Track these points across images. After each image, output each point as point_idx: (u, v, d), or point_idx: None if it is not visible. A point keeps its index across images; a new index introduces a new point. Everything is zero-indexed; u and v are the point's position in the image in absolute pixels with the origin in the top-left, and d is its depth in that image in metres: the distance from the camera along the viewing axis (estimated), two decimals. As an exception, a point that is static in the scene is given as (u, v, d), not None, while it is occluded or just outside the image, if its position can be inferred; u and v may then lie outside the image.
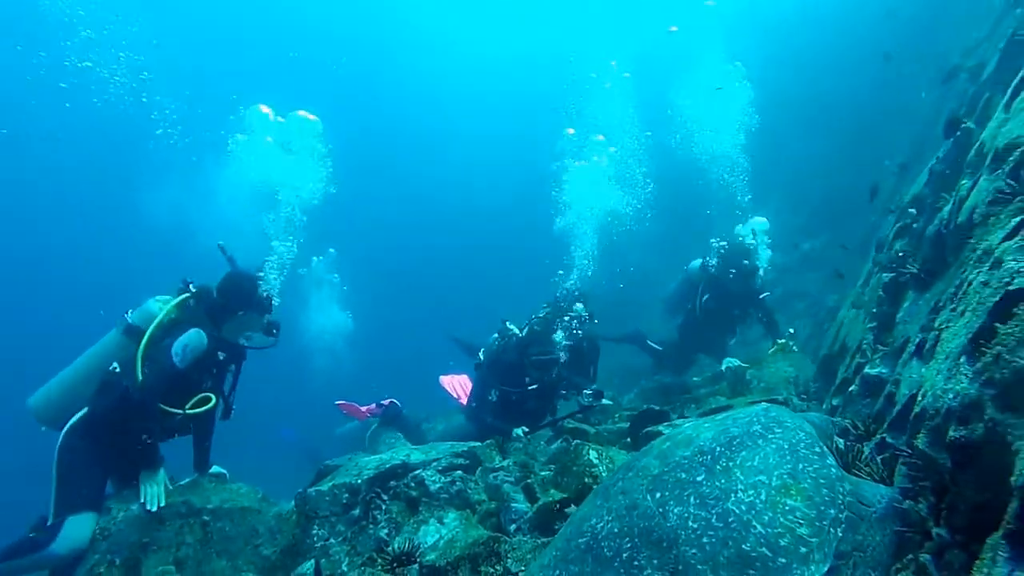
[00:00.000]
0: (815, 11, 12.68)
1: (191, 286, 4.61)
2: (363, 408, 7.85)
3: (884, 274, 4.68)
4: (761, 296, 7.57)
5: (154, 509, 4.08)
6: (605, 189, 9.37)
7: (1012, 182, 2.38)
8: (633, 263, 12.17)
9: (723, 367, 6.28)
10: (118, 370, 4.19)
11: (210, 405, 4.51)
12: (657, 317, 9.36)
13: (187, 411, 4.41)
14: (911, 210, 4.94)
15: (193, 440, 4.79)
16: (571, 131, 10.47)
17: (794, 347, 6.74)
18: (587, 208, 8.68)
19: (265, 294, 4.83)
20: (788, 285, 11.79)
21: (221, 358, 4.62)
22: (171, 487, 4.35)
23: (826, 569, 1.79)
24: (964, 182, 3.36)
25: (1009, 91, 3.24)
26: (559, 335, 6.08)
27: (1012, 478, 1.52)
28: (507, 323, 6.26)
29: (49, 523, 3.87)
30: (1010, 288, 1.84)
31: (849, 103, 11.85)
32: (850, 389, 4.10)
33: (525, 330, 6.15)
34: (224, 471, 4.89)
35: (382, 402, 7.76)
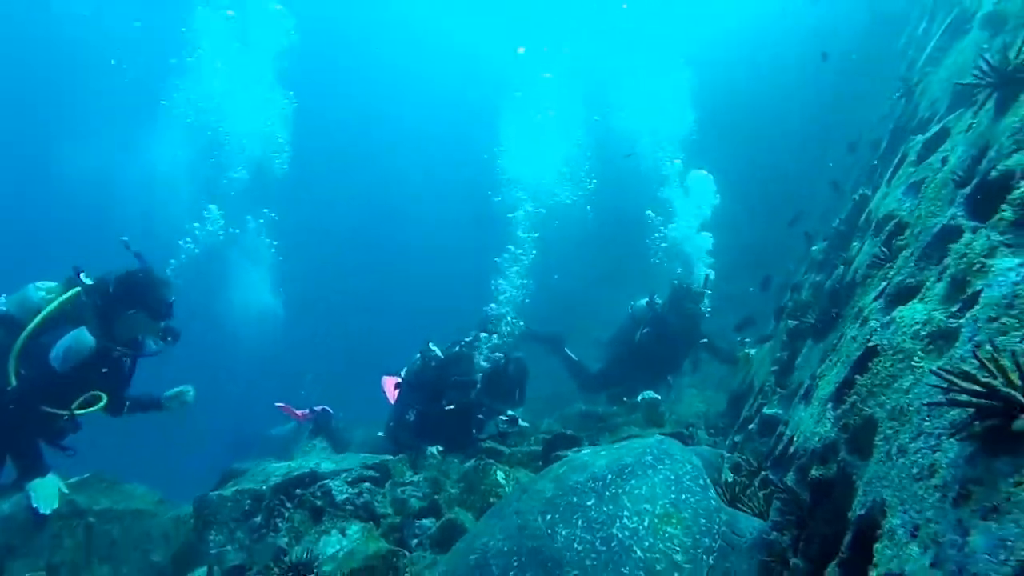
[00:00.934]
0: (748, 67, 13.36)
1: (83, 276, 4.19)
2: (299, 412, 7.72)
3: (789, 321, 5.05)
4: (701, 341, 7.73)
5: (47, 512, 3.82)
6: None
7: (885, 250, 2.67)
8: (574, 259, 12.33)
9: (639, 398, 6.51)
10: None
11: (99, 405, 4.20)
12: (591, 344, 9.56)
13: (74, 411, 4.08)
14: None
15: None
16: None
17: (752, 354, 6.95)
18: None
19: (164, 298, 4.37)
20: (709, 325, 12.41)
21: (115, 355, 4.26)
22: (65, 491, 4.06)
23: (694, 592, 1.93)
24: (855, 243, 3.71)
25: (890, 169, 3.63)
26: (479, 358, 6.17)
27: (849, 513, 1.71)
28: (430, 344, 6.29)
29: None
30: (869, 344, 2.07)
31: (770, 168, 12.63)
32: (750, 427, 4.37)
33: (446, 352, 6.20)
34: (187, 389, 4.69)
35: (315, 408, 7.67)
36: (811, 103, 12.02)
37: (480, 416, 6.33)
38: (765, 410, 4.30)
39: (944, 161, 2.72)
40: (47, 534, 3.87)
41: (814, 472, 2.04)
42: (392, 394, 7.27)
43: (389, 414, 6.84)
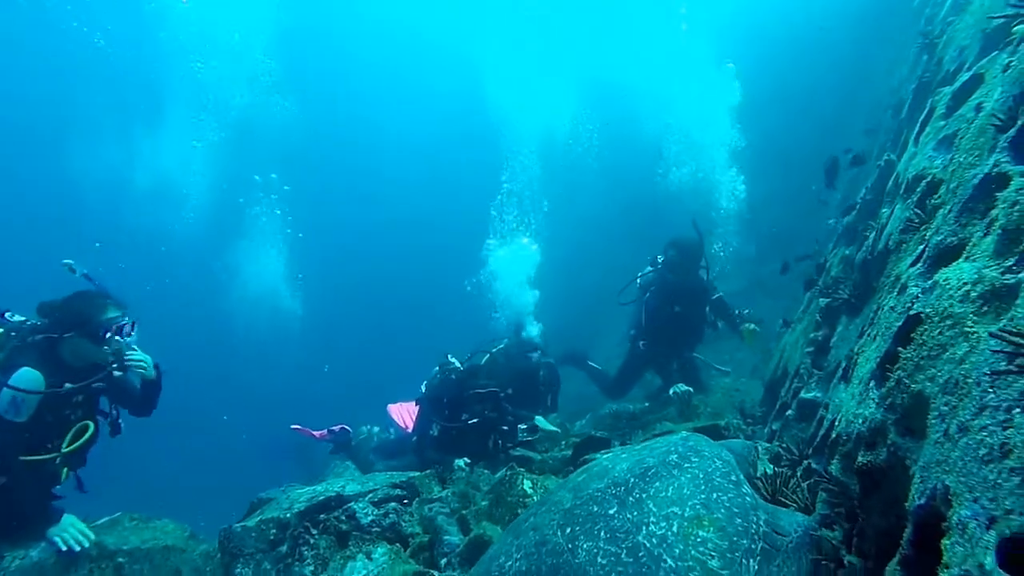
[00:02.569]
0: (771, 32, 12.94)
1: (7, 315, 3.89)
2: (316, 433, 7.67)
3: (820, 299, 4.78)
4: (715, 296, 6.88)
5: (79, 548, 3.73)
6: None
7: (919, 211, 2.44)
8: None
9: (671, 392, 6.28)
10: None
11: (88, 434, 3.95)
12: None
13: (63, 452, 3.85)
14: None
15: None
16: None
17: (756, 329, 6.54)
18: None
19: (97, 317, 3.93)
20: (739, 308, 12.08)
21: (86, 383, 3.89)
22: (88, 531, 3.97)
23: (736, 603, 1.74)
24: (884, 211, 3.46)
25: (916, 126, 3.38)
26: (500, 367, 6.02)
27: (907, 503, 1.50)
28: (448, 356, 6.16)
29: None
30: (911, 313, 1.86)
31: (795, 144, 12.25)
32: (787, 413, 4.13)
33: (466, 363, 6.07)
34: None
35: (333, 428, 7.61)
36: (830, 76, 11.63)
37: (505, 427, 6.16)
38: (803, 394, 4.06)
39: (979, 108, 2.47)
40: (77, 577, 3.83)
41: (861, 459, 1.83)
42: (400, 419, 7.19)
43: (411, 431, 6.73)
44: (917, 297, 1.87)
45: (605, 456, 2.37)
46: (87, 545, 3.80)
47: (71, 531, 3.83)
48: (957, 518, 1.20)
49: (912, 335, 1.77)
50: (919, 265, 2.07)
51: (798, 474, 2.92)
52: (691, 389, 6.29)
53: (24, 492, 3.71)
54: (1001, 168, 1.88)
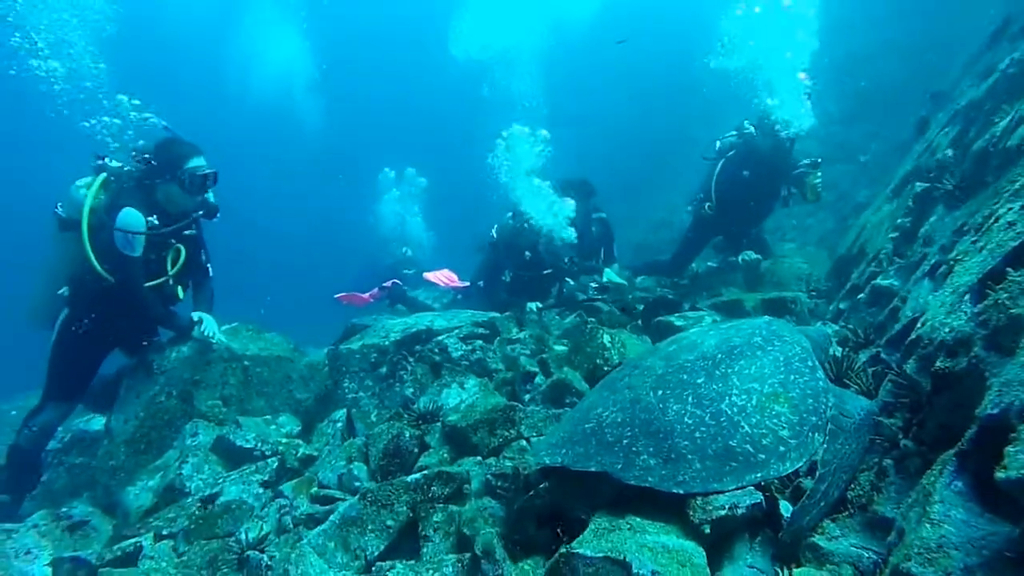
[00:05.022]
0: None
1: (107, 160, 4.20)
2: (365, 295, 8.13)
3: (918, 184, 4.59)
4: (796, 171, 6.40)
5: (216, 339, 4.55)
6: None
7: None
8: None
9: (740, 259, 6.37)
10: (66, 294, 4.21)
11: (182, 257, 4.45)
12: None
13: (171, 274, 4.42)
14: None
15: (193, 292, 4.83)
16: None
17: (819, 183, 6.25)
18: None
19: (193, 169, 4.24)
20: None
21: (164, 231, 4.25)
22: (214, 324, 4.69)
23: (800, 465, 2.07)
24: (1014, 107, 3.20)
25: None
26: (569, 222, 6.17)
27: (978, 409, 1.70)
28: (520, 207, 6.30)
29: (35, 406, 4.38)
30: (1030, 236, 1.89)
31: None
32: (859, 296, 4.24)
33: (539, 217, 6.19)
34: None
35: (384, 284, 8.12)
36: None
37: (568, 279, 6.52)
38: (879, 280, 4.12)
39: None
40: (216, 372, 4.62)
41: (940, 363, 2.01)
42: (441, 282, 7.59)
43: (474, 276, 7.16)
44: (1043, 222, 1.89)
45: (693, 331, 2.63)
46: (225, 341, 4.61)
47: (212, 326, 4.61)
48: (1027, 433, 1.40)
49: (1025, 259, 1.83)
50: (1052, 184, 2.04)
51: (860, 358, 3.14)
52: (760, 257, 6.36)
53: (155, 310, 4.41)
54: None
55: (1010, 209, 2.26)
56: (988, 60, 5.80)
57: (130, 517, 3.59)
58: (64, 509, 4.02)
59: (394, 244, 10.21)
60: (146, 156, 4.22)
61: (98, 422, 5.16)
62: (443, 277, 7.65)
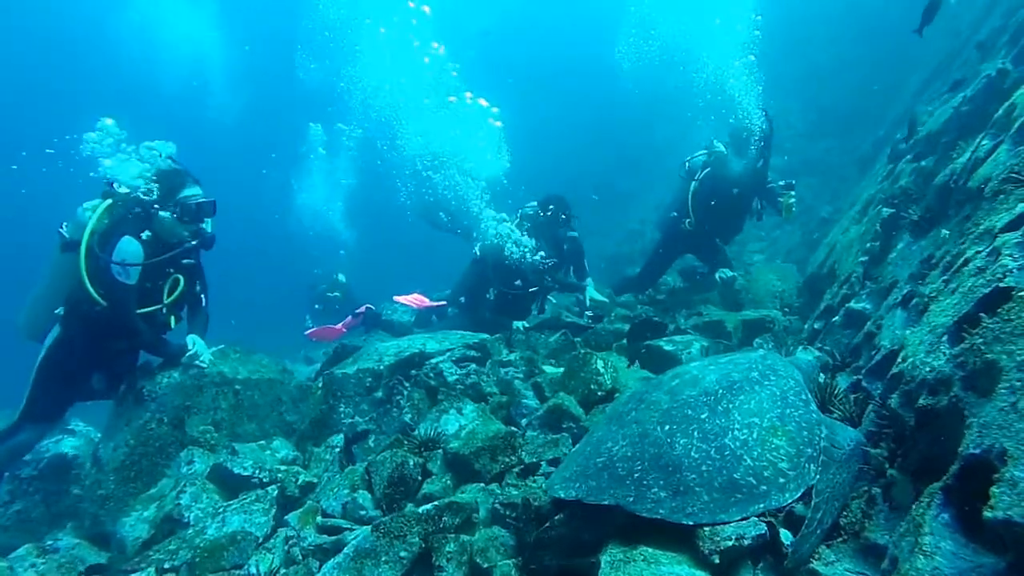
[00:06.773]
0: None
1: (115, 186, 4.26)
2: (337, 326, 8.14)
3: (884, 209, 4.88)
4: (768, 185, 6.81)
5: (207, 363, 4.57)
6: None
7: (1029, 169, 2.54)
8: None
9: (716, 276, 6.62)
10: (61, 313, 4.25)
11: (180, 287, 4.52)
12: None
13: (166, 303, 4.47)
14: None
15: (188, 316, 4.85)
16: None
17: (793, 202, 6.56)
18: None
19: (186, 198, 4.29)
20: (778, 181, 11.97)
21: (157, 260, 4.28)
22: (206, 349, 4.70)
23: (797, 496, 2.23)
24: (985, 142, 3.47)
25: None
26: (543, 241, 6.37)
27: (960, 447, 1.88)
28: (510, 225, 6.45)
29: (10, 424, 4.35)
30: (1000, 285, 2.10)
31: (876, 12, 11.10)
32: (833, 319, 4.48)
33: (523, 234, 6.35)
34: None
35: (357, 311, 8.14)
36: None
37: (549, 297, 6.74)
38: (852, 303, 4.36)
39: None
40: (207, 397, 4.59)
41: (922, 400, 2.19)
42: (411, 304, 7.70)
43: (454, 292, 7.27)
44: (1011, 272, 2.10)
45: (693, 365, 2.78)
46: (216, 364, 4.65)
47: (204, 351, 4.63)
48: (1011, 475, 1.58)
49: (998, 307, 2.03)
50: (1017, 234, 2.25)
51: (842, 383, 3.35)
52: (736, 275, 6.63)
53: (145, 337, 4.40)
54: None
55: (978, 253, 2.48)
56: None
57: (127, 550, 3.56)
58: (49, 542, 3.96)
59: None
60: (150, 185, 4.28)
61: (68, 443, 5.08)
62: (414, 300, 7.73)
